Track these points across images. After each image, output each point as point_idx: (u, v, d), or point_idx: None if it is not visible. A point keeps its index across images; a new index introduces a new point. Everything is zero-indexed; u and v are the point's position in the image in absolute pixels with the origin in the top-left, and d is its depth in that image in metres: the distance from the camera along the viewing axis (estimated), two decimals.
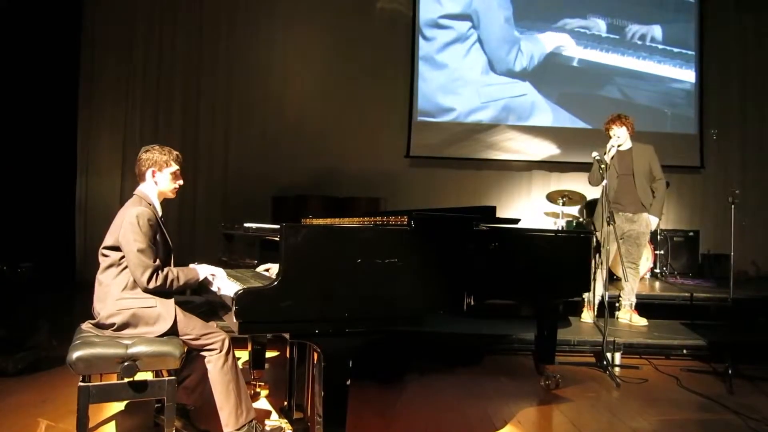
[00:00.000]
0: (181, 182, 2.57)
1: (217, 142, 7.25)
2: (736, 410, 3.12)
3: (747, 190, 6.90)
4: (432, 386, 3.52)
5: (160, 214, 2.49)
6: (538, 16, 7.33)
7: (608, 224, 3.90)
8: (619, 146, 4.48)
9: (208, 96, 7.25)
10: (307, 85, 7.33)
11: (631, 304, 4.63)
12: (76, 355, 2.15)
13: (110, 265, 2.36)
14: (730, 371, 3.55)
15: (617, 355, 4.02)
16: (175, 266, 2.46)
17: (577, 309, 4.82)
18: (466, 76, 7.31)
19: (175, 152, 2.54)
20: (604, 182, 4.01)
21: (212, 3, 7.27)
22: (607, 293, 4.11)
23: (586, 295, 4.57)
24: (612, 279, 4.94)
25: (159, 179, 2.49)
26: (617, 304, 4.67)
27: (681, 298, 4.99)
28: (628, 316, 4.60)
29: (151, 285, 2.28)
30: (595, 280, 4.11)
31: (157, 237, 2.39)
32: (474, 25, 7.28)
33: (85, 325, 2.38)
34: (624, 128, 4.46)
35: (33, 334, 3.63)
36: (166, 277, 2.32)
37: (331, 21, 7.32)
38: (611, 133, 4.48)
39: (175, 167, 2.53)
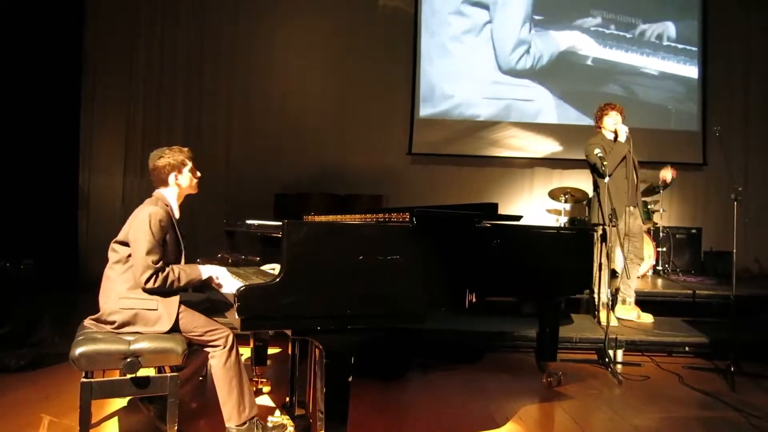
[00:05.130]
0: (199, 174, 2.62)
1: (219, 139, 7.25)
2: (738, 408, 3.11)
3: (750, 187, 6.89)
4: (433, 383, 3.52)
5: (177, 215, 2.52)
6: (544, 13, 7.30)
7: (610, 222, 3.87)
8: (616, 135, 4.31)
9: (209, 94, 7.24)
10: (308, 82, 7.32)
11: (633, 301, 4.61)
12: (78, 351, 2.16)
13: (118, 261, 2.38)
14: (732, 368, 3.54)
15: (619, 353, 4.01)
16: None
17: (580, 308, 4.81)
18: (474, 68, 7.28)
19: (185, 149, 2.59)
20: (606, 179, 3.98)
21: (214, 1, 7.27)
22: (608, 291, 4.10)
23: (602, 296, 4.35)
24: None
25: (181, 180, 2.55)
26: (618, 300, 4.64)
27: (683, 295, 4.98)
28: (635, 314, 4.55)
29: (149, 286, 2.28)
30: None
31: (167, 237, 2.38)
32: (490, 18, 7.24)
33: (87, 322, 2.39)
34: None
35: (35, 331, 3.65)
36: (166, 278, 2.31)
37: (332, 18, 7.30)
38: (616, 116, 4.32)
39: (190, 164, 2.58)
